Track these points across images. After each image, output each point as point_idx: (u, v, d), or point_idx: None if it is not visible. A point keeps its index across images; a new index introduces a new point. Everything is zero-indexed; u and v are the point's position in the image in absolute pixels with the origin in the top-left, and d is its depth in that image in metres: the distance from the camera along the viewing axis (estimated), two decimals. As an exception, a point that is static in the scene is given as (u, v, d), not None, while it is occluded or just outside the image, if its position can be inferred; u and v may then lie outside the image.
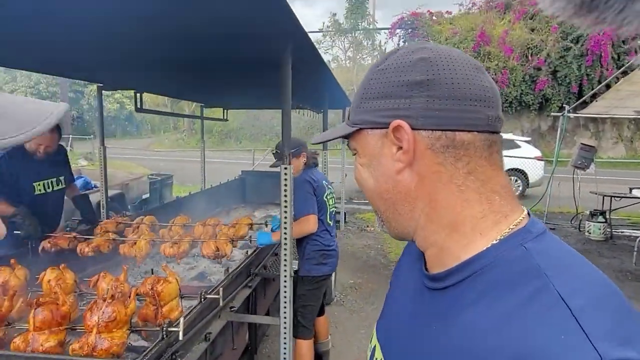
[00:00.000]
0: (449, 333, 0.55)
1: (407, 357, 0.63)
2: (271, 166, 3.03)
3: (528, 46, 16.55)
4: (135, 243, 2.73)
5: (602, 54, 15.47)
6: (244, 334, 2.70)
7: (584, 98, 7.26)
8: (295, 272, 2.92)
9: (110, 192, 5.46)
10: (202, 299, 1.96)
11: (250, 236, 2.97)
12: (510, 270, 0.53)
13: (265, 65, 2.49)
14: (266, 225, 3.25)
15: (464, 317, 0.54)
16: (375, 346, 0.73)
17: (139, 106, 3.82)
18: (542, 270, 0.50)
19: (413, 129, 0.58)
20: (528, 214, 0.60)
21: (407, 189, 0.61)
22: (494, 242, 0.56)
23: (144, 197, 6.66)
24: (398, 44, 19.74)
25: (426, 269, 0.65)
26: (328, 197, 3.12)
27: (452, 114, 0.57)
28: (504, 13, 17.79)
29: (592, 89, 13.24)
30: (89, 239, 2.78)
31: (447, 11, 19.26)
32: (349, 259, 6.04)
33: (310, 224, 2.84)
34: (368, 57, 28.09)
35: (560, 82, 16.32)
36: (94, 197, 5.63)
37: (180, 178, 10.23)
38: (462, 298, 0.56)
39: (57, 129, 3.07)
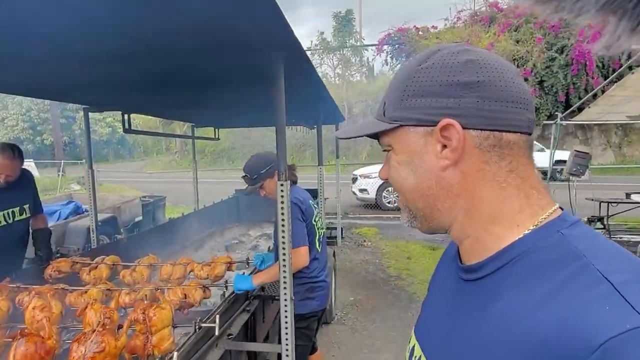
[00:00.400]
0: (485, 322, 0.56)
1: (446, 349, 0.63)
2: (246, 193, 2.72)
3: (514, 57, 16.78)
4: (86, 291, 2.21)
5: (587, 63, 15.72)
6: (243, 361, 2.57)
7: (573, 107, 7.30)
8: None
9: (102, 216, 5.34)
10: (197, 328, 1.84)
11: (227, 281, 2.50)
12: (548, 255, 0.55)
13: (257, 79, 2.44)
14: (247, 264, 2.87)
15: (499, 304, 0.55)
16: (414, 345, 0.74)
17: (126, 127, 3.74)
18: (580, 253, 0.52)
19: (463, 128, 0.59)
20: (560, 207, 0.62)
21: (450, 186, 0.62)
22: (530, 229, 0.58)
23: (136, 219, 6.53)
24: (386, 60, 19.99)
25: (461, 262, 0.67)
26: (317, 220, 2.71)
27: (500, 115, 0.59)
28: (489, 26, 18.08)
29: (579, 98, 13.39)
30: (28, 288, 2.21)
31: (432, 26, 19.50)
32: (347, 275, 5.92)
33: (301, 257, 2.42)
34: (357, 74, 28.38)
35: (547, 91, 16.52)
36: (85, 222, 5.51)
37: (174, 199, 10.09)
38: (499, 286, 0.57)
39: (18, 154, 2.85)
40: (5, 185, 2.79)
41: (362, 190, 11.37)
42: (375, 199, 11.09)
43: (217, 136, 5.91)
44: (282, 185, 1.90)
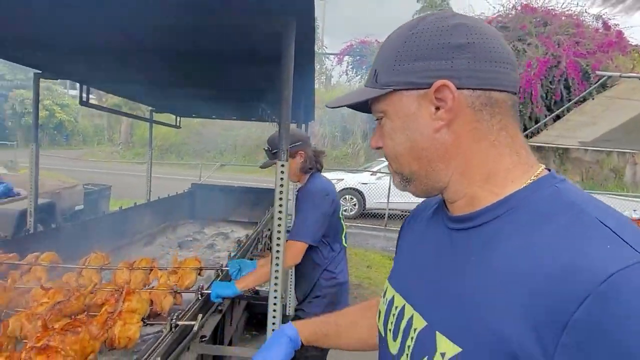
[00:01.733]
0: (486, 263, 0.59)
1: (442, 294, 0.64)
2: (261, 166, 2.40)
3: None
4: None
5: (533, 92, 16.69)
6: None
7: (525, 132, 7.65)
8: (294, 318, 2.14)
9: (39, 201, 4.76)
10: (173, 327, 1.56)
11: (202, 286, 2.01)
12: (546, 204, 0.59)
13: (254, 54, 2.19)
14: (221, 272, 2.33)
15: (501, 247, 0.58)
16: (393, 296, 0.76)
17: (84, 100, 3.32)
18: (575, 202, 0.57)
19: (457, 88, 0.61)
20: (546, 168, 0.65)
21: (444, 147, 0.64)
22: (525, 184, 0.62)
23: (77, 208, 5.92)
24: (346, 70, 20.18)
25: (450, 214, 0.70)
26: (341, 215, 2.38)
27: (490, 75, 0.62)
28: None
29: (524, 126, 14.18)
30: None
31: (394, 42, 20.00)
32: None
33: (295, 253, 2.06)
34: (315, 81, 28.47)
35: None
36: (16, 206, 4.88)
37: (118, 192, 9.36)
38: (498, 232, 0.60)
39: None
40: None
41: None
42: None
43: (178, 124, 5.53)
44: (282, 166, 1.66)
